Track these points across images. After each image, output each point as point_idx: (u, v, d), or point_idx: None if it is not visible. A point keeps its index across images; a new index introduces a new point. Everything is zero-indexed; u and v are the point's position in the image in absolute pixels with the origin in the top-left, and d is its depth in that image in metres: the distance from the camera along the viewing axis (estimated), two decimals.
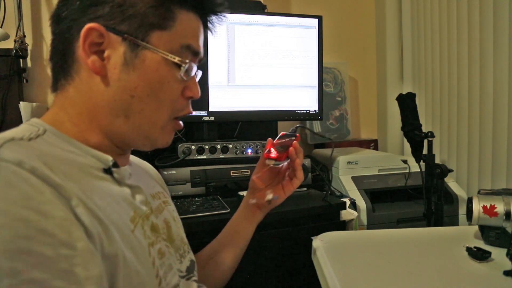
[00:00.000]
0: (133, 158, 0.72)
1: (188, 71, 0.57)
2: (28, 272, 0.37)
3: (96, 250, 0.43)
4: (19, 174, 0.41)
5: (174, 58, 0.55)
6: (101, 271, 0.43)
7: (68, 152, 0.50)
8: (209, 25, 0.64)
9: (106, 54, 0.53)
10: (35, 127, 0.51)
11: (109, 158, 0.54)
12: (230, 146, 1.34)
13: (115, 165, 0.55)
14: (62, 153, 0.49)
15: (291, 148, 0.78)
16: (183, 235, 0.70)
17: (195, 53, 0.59)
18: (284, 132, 0.83)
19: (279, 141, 0.80)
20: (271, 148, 0.78)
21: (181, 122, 0.62)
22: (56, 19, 0.55)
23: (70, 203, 0.43)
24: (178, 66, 0.56)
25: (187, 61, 0.56)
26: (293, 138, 0.80)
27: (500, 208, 0.79)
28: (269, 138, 0.82)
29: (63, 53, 0.54)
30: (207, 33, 0.64)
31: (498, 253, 0.76)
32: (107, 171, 0.54)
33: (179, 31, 0.55)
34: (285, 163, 0.83)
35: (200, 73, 0.63)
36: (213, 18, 0.63)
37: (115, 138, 0.56)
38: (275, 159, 0.76)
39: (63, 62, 0.55)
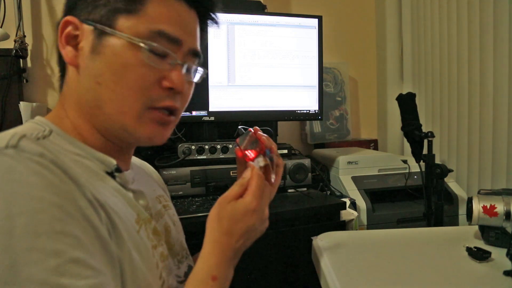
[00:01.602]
0: (135, 159, 0.71)
1: (156, 54, 0.52)
2: (70, 252, 0.40)
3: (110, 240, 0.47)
4: (43, 164, 0.43)
5: (139, 42, 0.51)
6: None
7: (73, 154, 0.51)
8: (201, 9, 0.58)
9: (80, 45, 0.53)
10: (41, 127, 0.51)
11: (113, 162, 0.54)
12: (230, 146, 1.34)
13: (118, 169, 0.55)
14: (68, 155, 0.50)
15: (262, 138, 0.69)
16: (183, 239, 0.70)
17: (173, 40, 0.53)
18: (238, 138, 0.74)
19: (243, 144, 0.71)
20: (246, 152, 0.69)
21: (163, 113, 0.54)
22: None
23: (86, 195, 0.45)
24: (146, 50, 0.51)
25: (154, 44, 0.51)
26: (250, 133, 0.72)
27: (500, 208, 0.79)
28: (236, 148, 0.72)
29: (58, 53, 0.56)
30: (206, 21, 0.60)
31: (498, 253, 0.76)
32: (110, 174, 0.54)
33: (150, 16, 0.52)
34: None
35: (193, 67, 0.57)
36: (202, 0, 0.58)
37: (105, 133, 0.55)
38: (258, 155, 0.67)
39: (59, 62, 0.58)
